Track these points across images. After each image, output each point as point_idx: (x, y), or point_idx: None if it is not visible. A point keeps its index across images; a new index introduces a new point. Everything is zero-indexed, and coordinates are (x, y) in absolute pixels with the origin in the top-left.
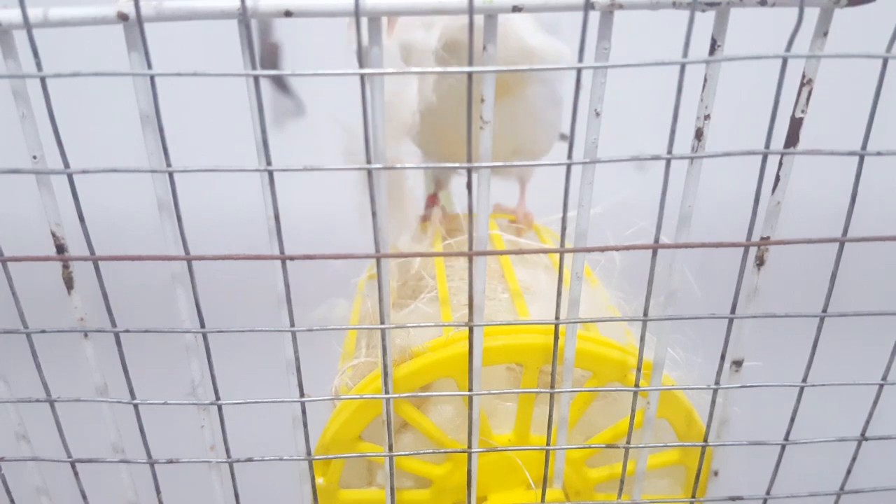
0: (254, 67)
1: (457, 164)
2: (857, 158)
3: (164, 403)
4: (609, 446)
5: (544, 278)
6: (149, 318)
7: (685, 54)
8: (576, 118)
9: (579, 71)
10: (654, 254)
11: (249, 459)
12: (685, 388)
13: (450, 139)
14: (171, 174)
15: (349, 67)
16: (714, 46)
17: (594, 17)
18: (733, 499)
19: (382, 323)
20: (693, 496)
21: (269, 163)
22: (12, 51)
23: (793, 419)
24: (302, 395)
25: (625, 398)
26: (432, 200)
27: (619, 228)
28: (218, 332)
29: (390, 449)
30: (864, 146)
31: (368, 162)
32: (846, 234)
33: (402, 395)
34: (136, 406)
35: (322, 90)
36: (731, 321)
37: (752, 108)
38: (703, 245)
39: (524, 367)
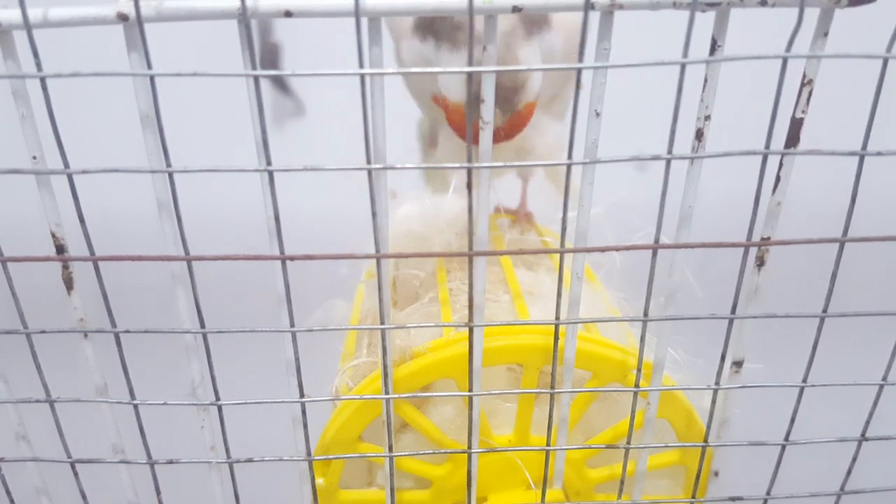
0: (254, 67)
1: (457, 165)
2: (857, 158)
3: (164, 404)
4: (609, 447)
5: (547, 280)
6: (149, 318)
7: (685, 54)
8: (576, 118)
9: (579, 71)
10: (654, 254)
11: (249, 460)
12: (685, 389)
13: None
14: (171, 174)
15: (349, 67)
16: (714, 46)
17: (594, 17)
18: (733, 499)
19: (383, 323)
20: (693, 496)
21: (269, 163)
22: (12, 51)
23: (793, 419)
24: (302, 395)
25: (625, 399)
26: None
27: (619, 228)
28: (218, 332)
29: (390, 449)
30: (864, 146)
31: (368, 162)
32: (846, 234)
33: (402, 395)
34: (136, 406)
35: (322, 90)
36: (731, 321)
37: (752, 108)
38: (703, 245)
39: (524, 368)
